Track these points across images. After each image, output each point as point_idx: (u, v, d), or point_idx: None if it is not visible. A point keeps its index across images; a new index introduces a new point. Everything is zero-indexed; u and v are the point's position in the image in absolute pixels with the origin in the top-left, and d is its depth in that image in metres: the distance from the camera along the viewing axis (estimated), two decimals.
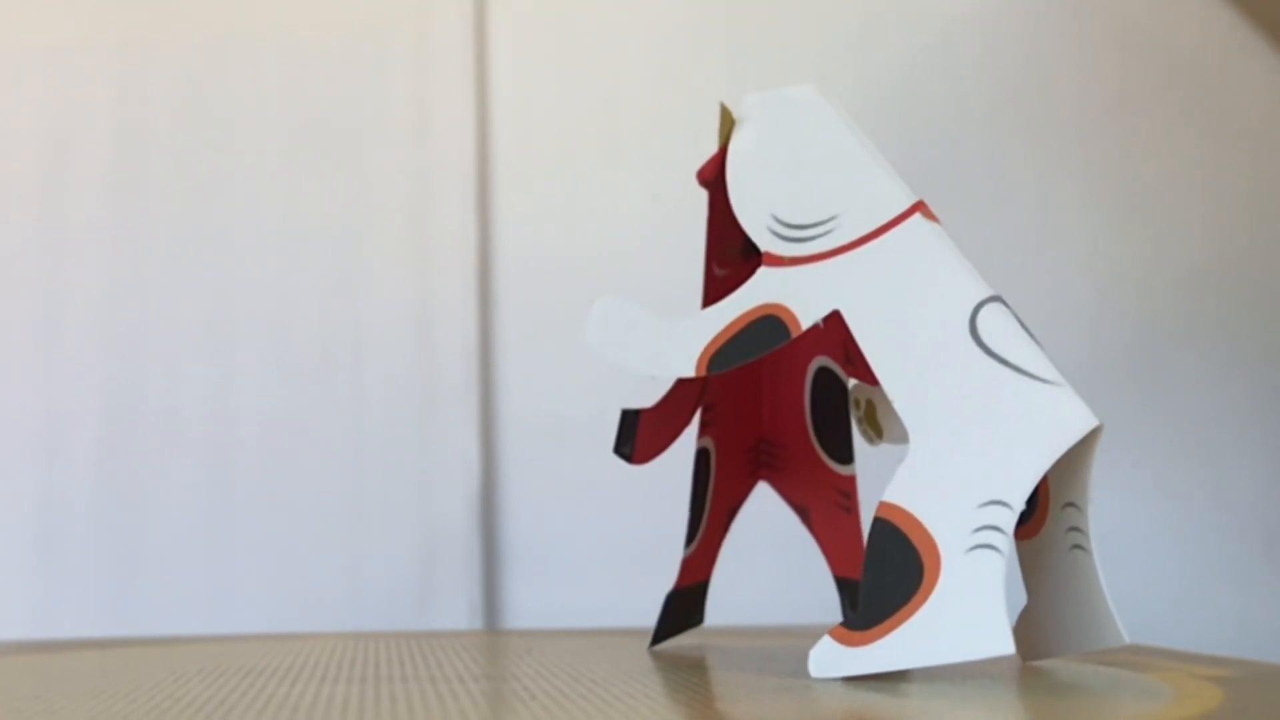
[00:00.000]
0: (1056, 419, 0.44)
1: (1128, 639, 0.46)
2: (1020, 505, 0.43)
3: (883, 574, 0.44)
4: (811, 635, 0.48)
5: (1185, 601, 0.93)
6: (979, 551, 0.43)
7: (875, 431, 0.55)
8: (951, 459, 0.44)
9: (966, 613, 0.43)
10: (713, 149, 0.52)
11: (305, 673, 0.51)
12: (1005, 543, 0.43)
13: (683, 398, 0.55)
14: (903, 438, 0.50)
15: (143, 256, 0.96)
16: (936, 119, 0.98)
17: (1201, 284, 0.97)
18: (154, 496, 0.94)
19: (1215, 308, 0.97)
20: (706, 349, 0.49)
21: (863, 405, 0.55)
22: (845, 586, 0.59)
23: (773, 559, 0.87)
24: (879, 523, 0.45)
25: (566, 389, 0.94)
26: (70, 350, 0.95)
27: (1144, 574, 0.93)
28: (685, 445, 0.56)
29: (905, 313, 0.46)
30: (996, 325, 0.45)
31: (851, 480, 0.58)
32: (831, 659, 0.45)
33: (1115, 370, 0.95)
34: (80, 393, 0.94)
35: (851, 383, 0.56)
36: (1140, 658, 0.54)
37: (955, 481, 0.44)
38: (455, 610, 0.93)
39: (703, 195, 0.54)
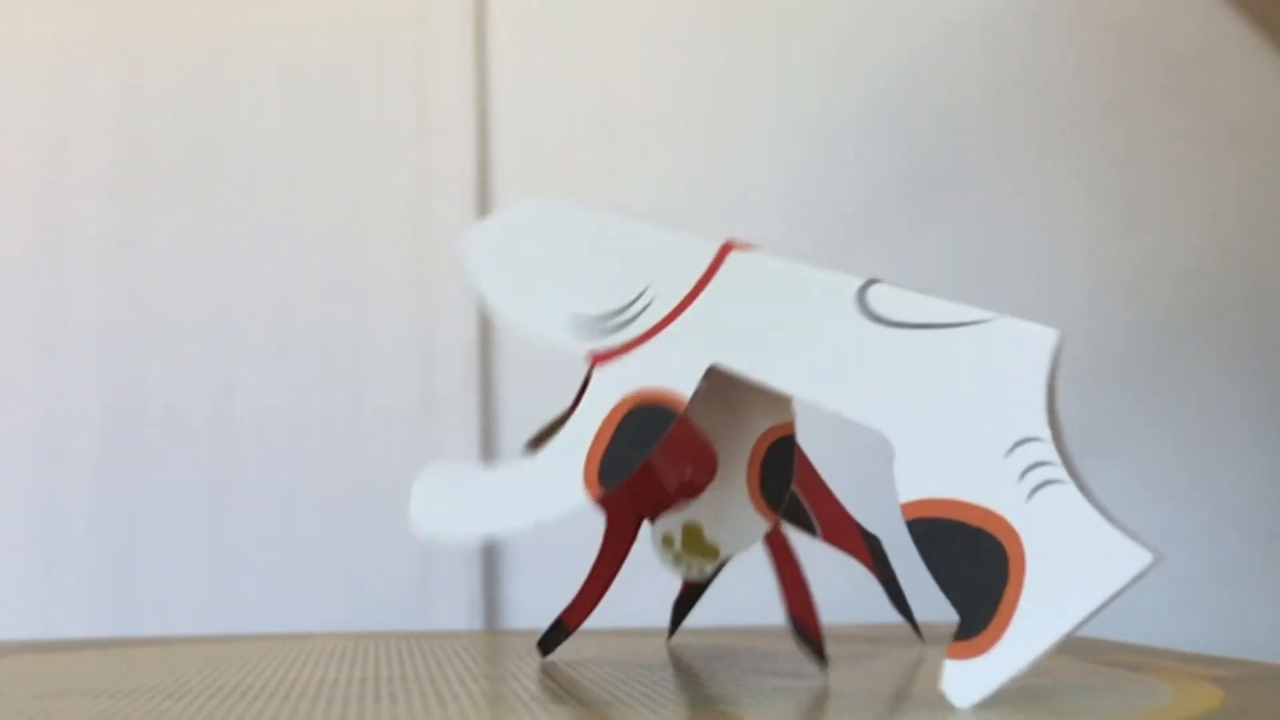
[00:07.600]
0: (1016, 343, 0.40)
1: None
2: (1045, 432, 0.39)
3: (959, 570, 0.39)
4: None
5: (1185, 601, 0.93)
6: (1041, 492, 0.39)
7: (707, 555, 0.49)
8: (940, 429, 0.40)
9: (1073, 555, 0.38)
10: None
11: (305, 673, 0.51)
12: (1060, 471, 0.39)
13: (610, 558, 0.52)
14: (748, 542, 0.47)
15: (143, 256, 0.96)
16: (936, 119, 0.98)
17: (1200, 284, 0.97)
18: (154, 496, 0.94)
19: (1213, 308, 0.97)
20: (588, 464, 0.44)
21: (678, 538, 0.50)
22: (797, 624, 0.51)
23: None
24: (922, 524, 0.40)
25: (566, 389, 0.94)
26: (70, 351, 0.95)
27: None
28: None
29: (791, 333, 0.43)
30: (890, 298, 0.42)
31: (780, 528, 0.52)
32: (968, 683, 0.39)
33: (1114, 370, 0.95)
34: (80, 393, 0.94)
35: (662, 522, 0.51)
36: (1140, 658, 0.54)
37: (964, 445, 0.40)
38: (455, 610, 0.93)
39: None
